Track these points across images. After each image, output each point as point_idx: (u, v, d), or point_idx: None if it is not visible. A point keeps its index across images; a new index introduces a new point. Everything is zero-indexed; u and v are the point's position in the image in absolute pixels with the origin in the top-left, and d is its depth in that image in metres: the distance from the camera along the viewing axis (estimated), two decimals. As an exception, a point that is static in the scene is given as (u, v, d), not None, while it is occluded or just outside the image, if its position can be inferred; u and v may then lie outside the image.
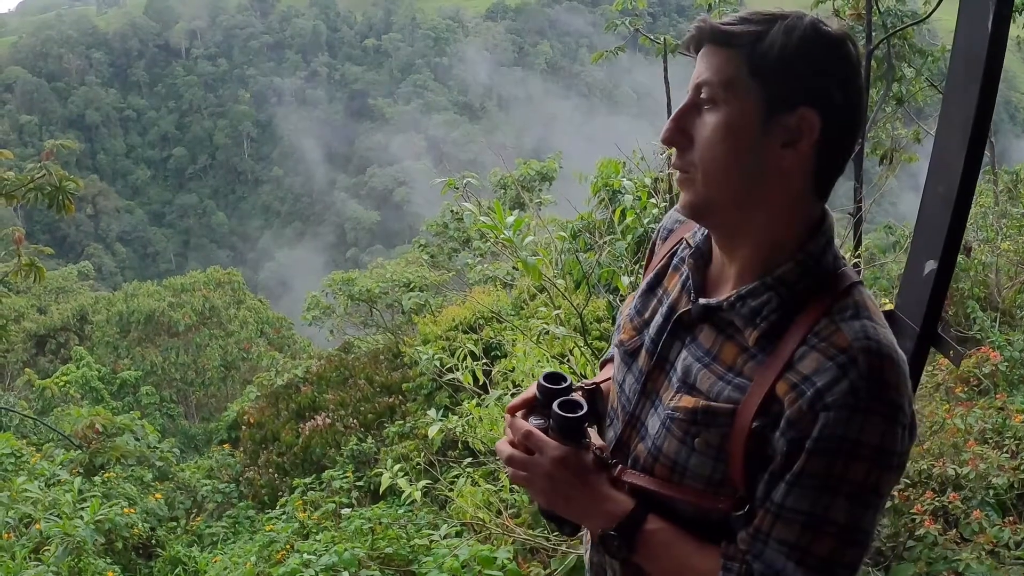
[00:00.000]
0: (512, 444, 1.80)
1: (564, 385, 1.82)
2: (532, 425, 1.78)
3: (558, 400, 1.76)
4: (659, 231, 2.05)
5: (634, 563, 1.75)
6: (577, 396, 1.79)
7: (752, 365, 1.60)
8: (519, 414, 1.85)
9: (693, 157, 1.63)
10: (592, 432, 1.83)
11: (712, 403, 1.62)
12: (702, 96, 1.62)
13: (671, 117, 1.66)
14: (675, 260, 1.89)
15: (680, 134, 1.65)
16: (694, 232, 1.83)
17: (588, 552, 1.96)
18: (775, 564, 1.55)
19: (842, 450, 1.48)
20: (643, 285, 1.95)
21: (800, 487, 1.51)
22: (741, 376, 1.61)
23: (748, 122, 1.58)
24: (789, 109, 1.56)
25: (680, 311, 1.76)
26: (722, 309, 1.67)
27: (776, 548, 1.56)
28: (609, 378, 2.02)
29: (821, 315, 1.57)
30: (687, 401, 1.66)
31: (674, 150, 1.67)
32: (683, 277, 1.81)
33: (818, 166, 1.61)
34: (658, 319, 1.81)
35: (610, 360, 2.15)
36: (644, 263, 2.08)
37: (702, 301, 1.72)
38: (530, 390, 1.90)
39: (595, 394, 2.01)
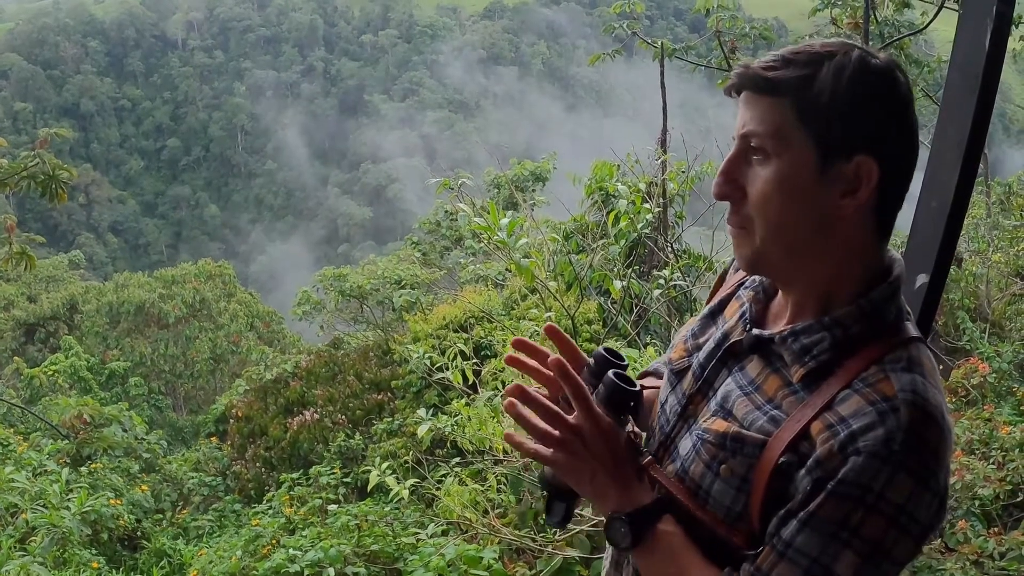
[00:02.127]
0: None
1: (622, 363, 1.74)
2: None
3: (615, 370, 1.68)
4: (733, 261, 1.94)
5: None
6: (631, 378, 1.70)
7: (792, 400, 1.55)
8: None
9: (748, 211, 1.58)
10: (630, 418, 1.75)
11: (743, 431, 1.57)
12: (752, 145, 1.56)
13: (720, 170, 1.61)
14: (740, 290, 1.83)
15: (732, 187, 1.59)
16: None
17: (607, 567, 1.91)
18: None
19: (863, 501, 1.40)
20: (706, 310, 1.90)
21: (811, 528, 1.44)
22: (779, 409, 1.56)
23: (803, 175, 1.52)
24: (845, 158, 1.51)
25: (732, 340, 1.71)
26: (773, 342, 1.62)
27: None
28: (648, 387, 1.98)
29: (872, 362, 1.51)
30: (719, 425, 1.62)
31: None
32: (742, 307, 1.76)
33: (879, 207, 1.56)
34: (710, 344, 1.76)
35: (650, 373, 2.11)
36: (712, 288, 1.99)
37: (755, 332, 1.67)
38: (573, 354, 1.81)
39: (639, 395, 1.89)
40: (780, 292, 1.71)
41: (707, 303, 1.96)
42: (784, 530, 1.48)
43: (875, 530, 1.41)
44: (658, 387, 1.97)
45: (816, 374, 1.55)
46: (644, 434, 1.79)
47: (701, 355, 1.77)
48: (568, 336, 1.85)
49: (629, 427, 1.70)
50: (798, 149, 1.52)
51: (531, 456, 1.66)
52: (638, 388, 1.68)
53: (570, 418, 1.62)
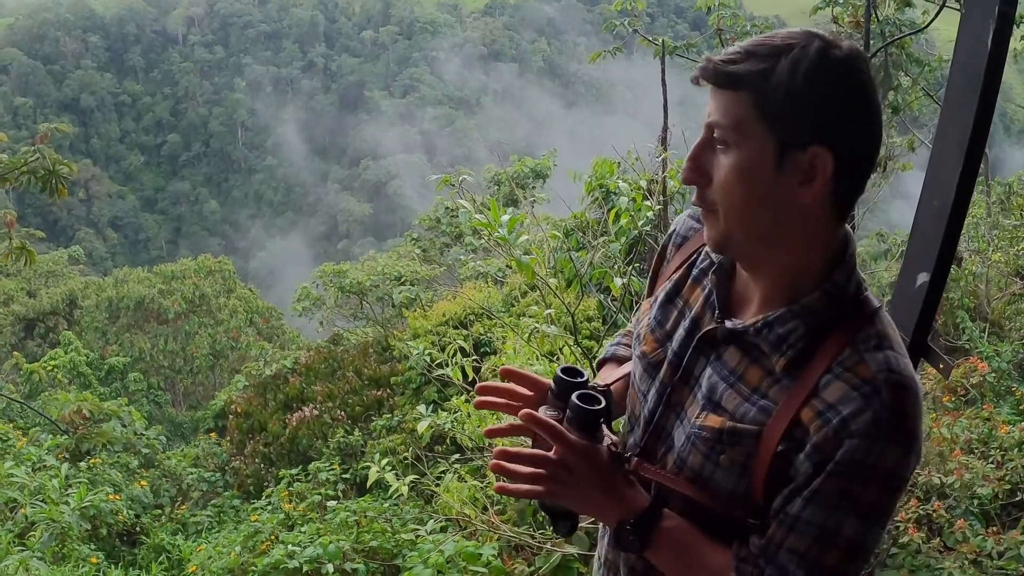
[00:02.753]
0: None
1: (582, 379, 1.81)
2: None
3: (577, 392, 1.74)
4: (672, 236, 2.04)
5: (644, 560, 1.78)
6: (594, 391, 1.77)
7: (777, 389, 1.65)
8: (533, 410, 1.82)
9: (713, 196, 1.65)
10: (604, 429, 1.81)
11: (738, 424, 1.66)
12: (715, 136, 1.62)
13: (688, 156, 1.67)
14: (695, 271, 1.89)
15: (698, 173, 1.66)
16: None
17: (603, 549, 1.98)
18: (786, 569, 1.61)
19: (859, 475, 1.54)
20: (661, 295, 1.95)
21: (815, 503, 1.57)
22: (766, 399, 1.65)
23: (761, 164, 1.59)
24: (800, 149, 1.57)
25: (705, 329, 1.77)
26: (748, 333, 1.69)
27: (787, 556, 1.61)
28: (618, 380, 2.06)
29: (845, 344, 1.61)
30: (713, 420, 1.69)
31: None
32: (706, 292, 1.83)
33: (836, 195, 1.61)
34: (681, 333, 1.82)
35: (609, 359, 2.22)
36: (652, 266, 2.09)
37: (728, 324, 1.73)
38: (534, 384, 1.93)
39: (608, 395, 1.95)
40: (744, 273, 1.77)
41: (651, 281, 2.06)
42: (790, 507, 1.61)
43: (872, 495, 1.56)
44: (619, 374, 2.09)
45: (796, 361, 1.64)
46: (619, 440, 1.85)
47: (674, 344, 1.83)
48: (524, 372, 1.98)
49: (607, 439, 1.76)
50: (757, 141, 1.58)
51: (530, 498, 1.75)
52: (603, 405, 1.73)
53: (551, 455, 1.71)
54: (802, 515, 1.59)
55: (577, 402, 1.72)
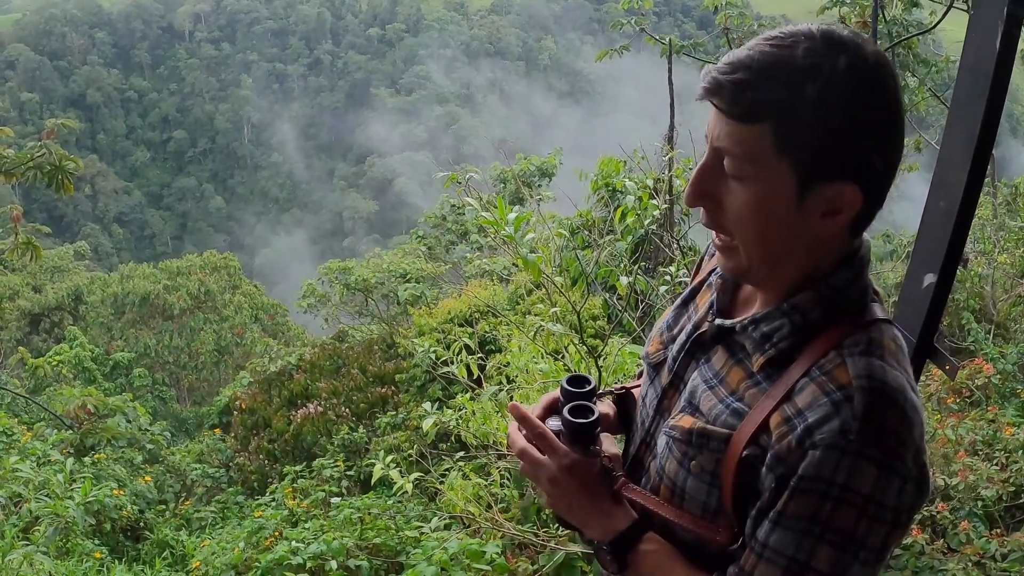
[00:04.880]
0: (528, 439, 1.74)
1: (586, 389, 1.76)
2: (548, 427, 1.73)
3: (570, 404, 1.72)
4: (708, 248, 1.92)
5: None
6: (594, 403, 1.74)
7: (754, 392, 1.54)
8: (537, 413, 1.80)
9: (726, 223, 1.54)
10: (608, 440, 1.80)
11: (708, 426, 1.57)
12: (724, 165, 1.49)
13: (692, 179, 1.54)
14: (711, 278, 1.79)
15: (704, 198, 1.54)
16: None
17: None
18: None
19: (828, 494, 1.38)
20: (679, 299, 1.89)
21: (783, 527, 1.42)
22: (741, 402, 1.54)
23: (780, 200, 1.46)
24: (826, 182, 1.44)
25: (700, 331, 1.70)
26: (735, 331, 1.62)
27: None
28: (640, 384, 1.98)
29: (831, 347, 1.48)
30: (686, 421, 1.61)
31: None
32: (712, 297, 1.74)
33: (858, 219, 1.51)
34: (682, 337, 1.76)
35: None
36: (691, 279, 1.98)
37: (717, 322, 1.66)
38: (554, 393, 1.85)
39: (626, 399, 1.95)
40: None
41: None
42: (759, 531, 1.47)
43: (846, 521, 1.39)
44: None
45: (777, 362, 1.54)
46: (615, 456, 1.79)
47: (674, 347, 1.77)
48: (548, 400, 1.86)
49: (603, 453, 1.72)
50: (776, 175, 1.45)
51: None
52: (595, 416, 1.70)
53: (544, 459, 1.70)
54: (770, 541, 1.44)
55: (567, 415, 1.70)
